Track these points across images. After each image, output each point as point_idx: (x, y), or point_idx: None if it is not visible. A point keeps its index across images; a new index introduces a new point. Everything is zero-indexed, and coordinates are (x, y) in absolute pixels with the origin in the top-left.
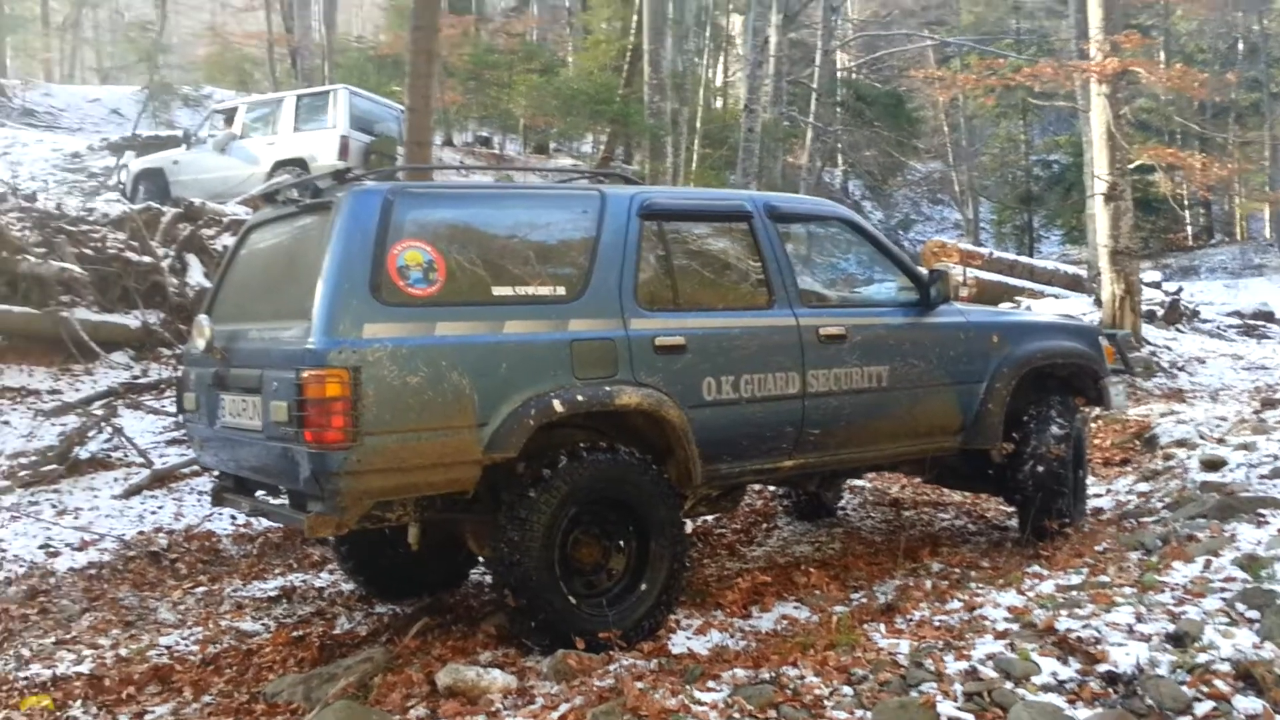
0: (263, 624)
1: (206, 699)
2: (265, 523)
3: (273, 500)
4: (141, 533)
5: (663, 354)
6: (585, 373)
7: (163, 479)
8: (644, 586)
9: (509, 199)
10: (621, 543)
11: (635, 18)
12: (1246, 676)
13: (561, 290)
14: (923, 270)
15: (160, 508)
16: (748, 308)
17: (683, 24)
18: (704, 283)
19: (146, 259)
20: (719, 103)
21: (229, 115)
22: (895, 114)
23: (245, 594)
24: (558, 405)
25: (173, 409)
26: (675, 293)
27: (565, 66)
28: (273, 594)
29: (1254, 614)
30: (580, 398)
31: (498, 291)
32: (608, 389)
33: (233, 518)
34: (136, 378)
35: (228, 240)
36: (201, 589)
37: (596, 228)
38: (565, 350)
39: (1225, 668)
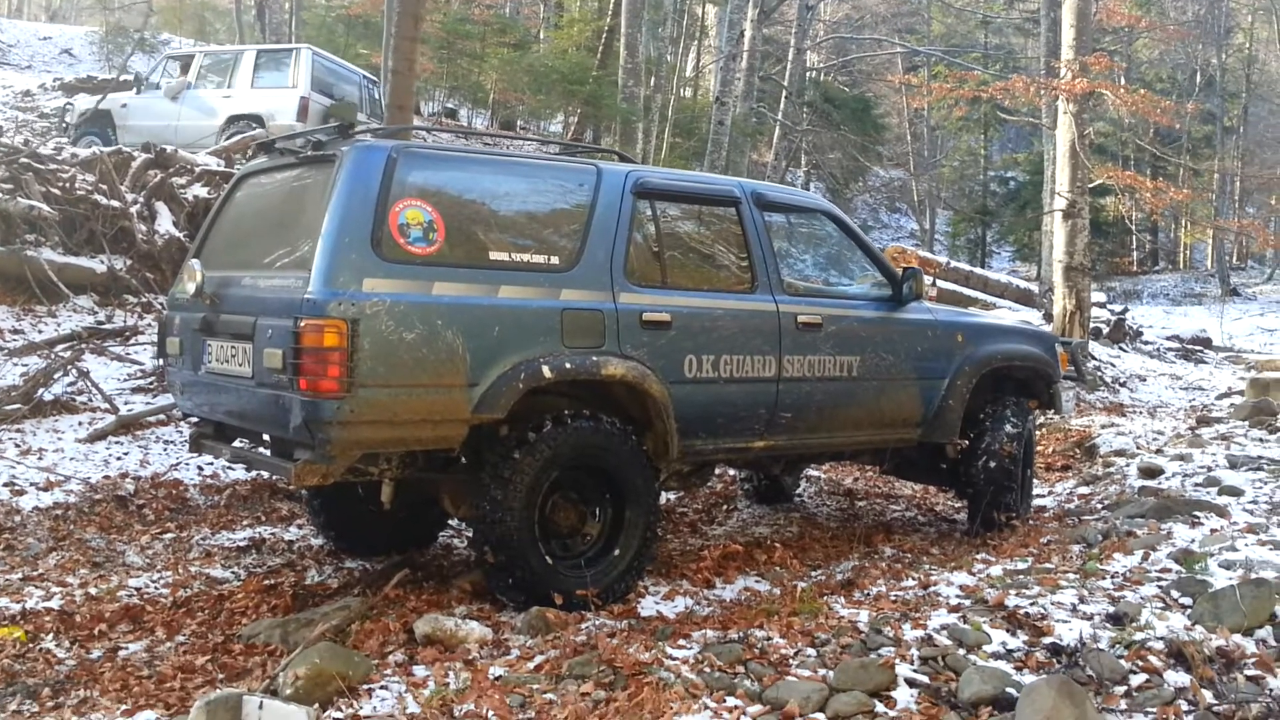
0: (232, 572)
1: (180, 639)
2: (234, 474)
3: (256, 448)
4: (107, 477)
5: (648, 329)
6: (574, 342)
7: (128, 426)
8: (617, 552)
9: (509, 166)
10: (598, 509)
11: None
12: (1178, 655)
13: (555, 260)
14: (896, 268)
15: (126, 454)
16: (731, 290)
17: (661, 9)
18: (691, 263)
19: (115, 203)
20: (689, 93)
21: (184, 63)
22: (861, 119)
23: (214, 543)
24: (546, 371)
25: (139, 356)
26: (663, 270)
27: (538, 43)
28: (242, 544)
29: (1187, 600)
30: (568, 365)
31: (494, 256)
32: (595, 359)
33: (200, 468)
34: (101, 323)
35: (199, 190)
36: (169, 535)
37: (591, 202)
38: (556, 318)
39: (1159, 646)
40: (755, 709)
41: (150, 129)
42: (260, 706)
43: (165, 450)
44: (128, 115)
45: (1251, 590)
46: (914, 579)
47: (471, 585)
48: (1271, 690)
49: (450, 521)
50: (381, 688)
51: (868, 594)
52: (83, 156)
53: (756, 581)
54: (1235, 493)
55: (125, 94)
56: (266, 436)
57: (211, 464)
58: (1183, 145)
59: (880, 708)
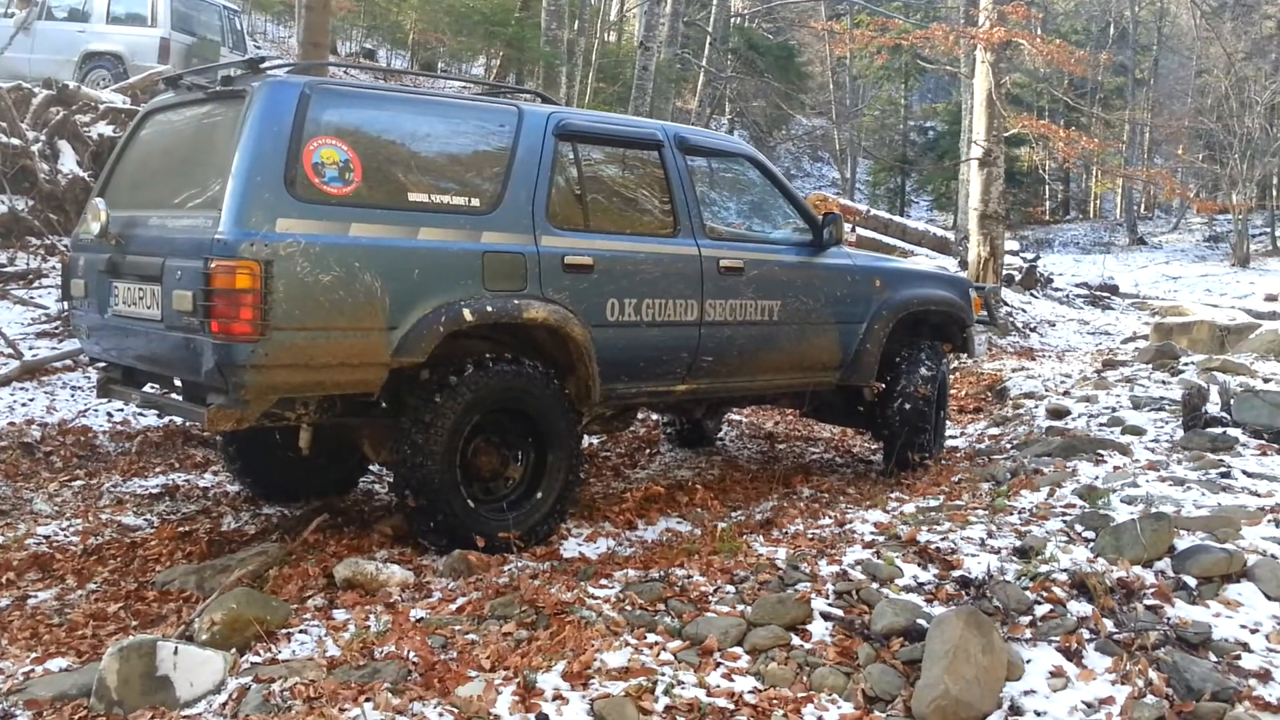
0: (145, 519)
1: (91, 586)
2: (145, 419)
3: (167, 393)
4: (13, 424)
5: (570, 272)
6: (495, 285)
7: (33, 371)
8: (540, 495)
9: (429, 106)
10: (520, 453)
11: None
12: (1080, 585)
13: (476, 202)
14: (817, 214)
15: (31, 400)
16: (653, 234)
17: None
18: (613, 206)
19: (15, 141)
20: (614, 37)
21: None
22: (785, 66)
23: (125, 490)
24: (468, 314)
25: (43, 300)
26: (585, 214)
27: None
28: (155, 491)
29: (1090, 534)
30: (490, 308)
31: (414, 197)
32: (516, 302)
33: (109, 414)
34: (2, 265)
35: (103, 128)
36: (79, 483)
37: (513, 143)
38: (477, 261)
39: (1063, 577)
40: (675, 644)
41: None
42: (175, 652)
43: (73, 396)
44: None
45: (1151, 524)
46: (830, 517)
47: (393, 529)
48: (1169, 619)
49: (371, 466)
50: (301, 632)
51: (786, 532)
52: None
53: (678, 522)
54: (1138, 432)
55: None
56: (178, 381)
57: (121, 410)
58: (1095, 96)
59: (796, 640)
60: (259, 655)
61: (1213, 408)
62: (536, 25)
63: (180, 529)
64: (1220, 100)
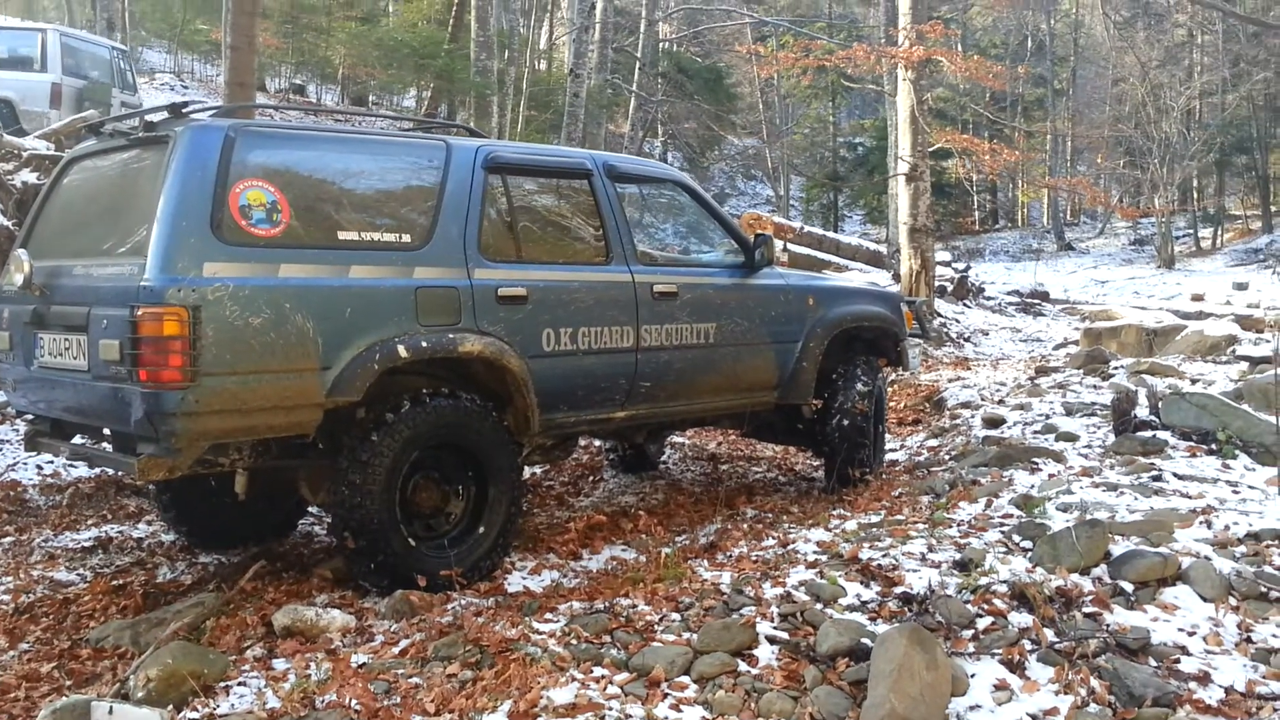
0: (78, 574)
1: (24, 646)
2: (76, 472)
3: (97, 444)
4: None
5: (504, 304)
6: (429, 320)
7: None
8: (482, 529)
9: (355, 144)
10: (460, 488)
11: None
12: (1021, 596)
13: (407, 238)
14: (748, 235)
15: None
16: (586, 263)
17: None
18: (545, 237)
19: None
20: (544, 65)
21: None
22: (714, 88)
23: (57, 544)
24: (402, 351)
25: None
26: (517, 245)
27: (387, 17)
28: (87, 544)
29: (1027, 544)
30: (424, 344)
31: (343, 236)
32: (451, 336)
33: (38, 467)
34: None
35: (27, 175)
36: (8, 539)
37: (442, 178)
38: (410, 297)
39: (1003, 589)
40: (622, 677)
41: None
42: (110, 711)
43: (0, 451)
44: None
45: (1086, 531)
46: (774, 538)
47: (333, 573)
48: (1108, 625)
49: (310, 508)
50: (240, 684)
51: (730, 555)
52: None
53: (623, 550)
54: (1071, 438)
55: None
56: (108, 431)
57: (51, 462)
58: (1017, 108)
59: (743, 666)
60: (197, 711)
61: (1142, 411)
62: (466, 56)
63: (114, 582)
64: (1137, 107)
